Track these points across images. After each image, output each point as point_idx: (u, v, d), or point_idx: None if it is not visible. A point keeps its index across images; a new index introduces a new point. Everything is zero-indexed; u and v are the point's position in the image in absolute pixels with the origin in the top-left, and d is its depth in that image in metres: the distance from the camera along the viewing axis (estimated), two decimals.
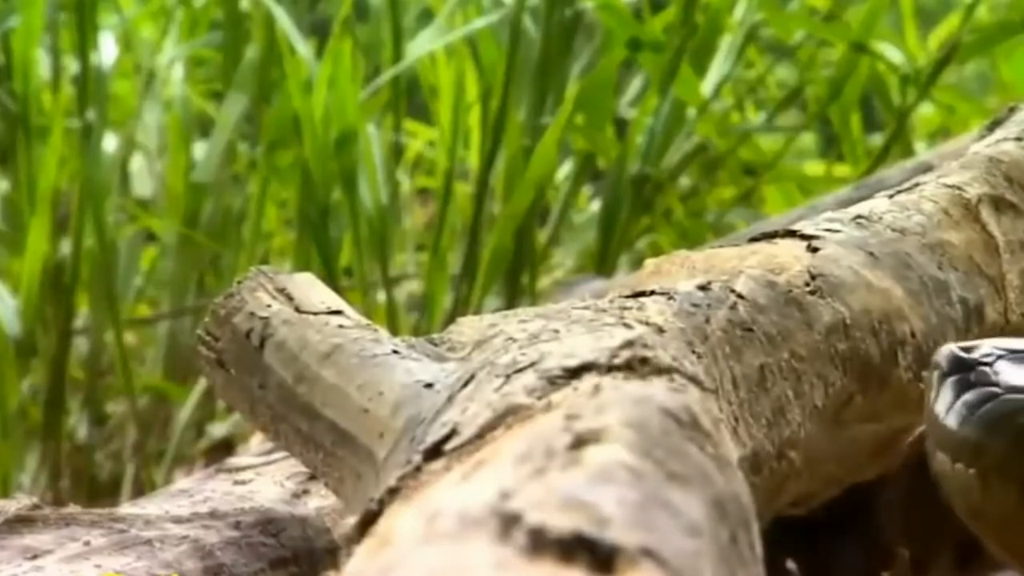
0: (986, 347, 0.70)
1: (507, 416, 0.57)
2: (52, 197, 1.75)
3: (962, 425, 0.67)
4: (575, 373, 0.61)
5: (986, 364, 0.69)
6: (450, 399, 0.68)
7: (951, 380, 0.69)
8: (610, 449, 0.50)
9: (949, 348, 0.70)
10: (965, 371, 0.69)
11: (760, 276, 0.84)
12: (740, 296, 0.82)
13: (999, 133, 1.06)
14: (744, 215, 1.97)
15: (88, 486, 1.74)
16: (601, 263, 1.80)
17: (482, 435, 0.57)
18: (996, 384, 0.67)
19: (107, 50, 1.87)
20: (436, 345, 0.80)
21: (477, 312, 1.46)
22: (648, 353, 0.61)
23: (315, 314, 0.82)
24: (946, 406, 0.68)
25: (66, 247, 1.78)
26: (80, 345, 1.84)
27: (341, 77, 1.67)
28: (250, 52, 1.90)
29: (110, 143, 1.92)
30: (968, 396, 0.68)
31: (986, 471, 0.66)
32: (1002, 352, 0.69)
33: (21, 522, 0.91)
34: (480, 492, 0.47)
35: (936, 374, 0.70)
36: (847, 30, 1.85)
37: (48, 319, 1.75)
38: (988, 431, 0.67)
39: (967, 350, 0.70)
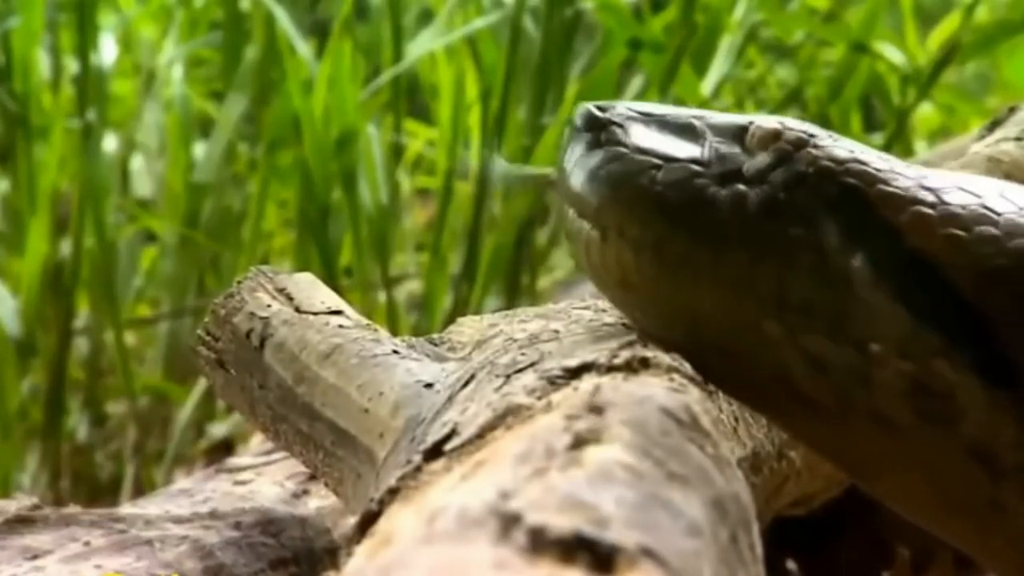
0: (620, 108, 0.69)
1: (507, 416, 0.57)
2: (52, 197, 1.75)
3: (587, 183, 0.67)
4: (575, 373, 0.60)
5: (617, 124, 0.68)
6: (450, 399, 0.68)
7: (583, 137, 0.68)
8: (610, 449, 0.50)
9: (586, 106, 0.70)
10: (597, 130, 0.68)
11: None
12: None
13: (999, 133, 1.06)
14: None
15: (88, 486, 1.74)
16: None
17: (482, 435, 0.57)
18: (624, 144, 0.67)
19: (107, 50, 1.87)
20: (436, 345, 0.80)
21: (477, 312, 1.46)
22: (648, 353, 0.61)
23: (315, 314, 0.82)
24: (574, 163, 0.68)
25: (66, 247, 1.78)
26: (80, 345, 1.84)
27: (341, 77, 1.67)
28: (250, 52, 1.90)
29: (110, 143, 1.92)
30: (595, 154, 0.67)
31: (605, 230, 0.66)
32: (635, 114, 0.69)
33: (21, 522, 0.91)
34: (480, 492, 0.47)
35: (570, 130, 0.70)
36: (847, 30, 1.85)
37: (48, 319, 1.75)
38: (608, 191, 0.66)
39: (602, 109, 0.69)
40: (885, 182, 0.63)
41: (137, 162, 2.05)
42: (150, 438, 1.77)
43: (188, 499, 0.99)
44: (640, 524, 0.45)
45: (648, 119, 0.68)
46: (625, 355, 0.61)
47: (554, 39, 1.79)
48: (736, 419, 0.76)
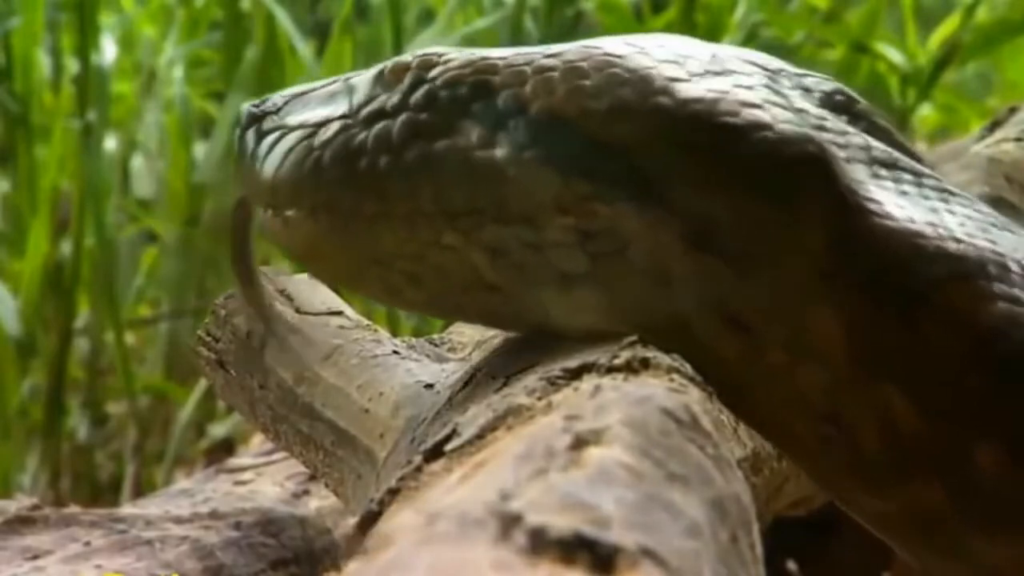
0: (274, 97, 0.72)
1: (507, 417, 0.57)
2: (52, 197, 1.75)
3: (257, 174, 0.69)
4: (575, 373, 0.60)
5: (273, 112, 0.70)
6: (450, 400, 0.68)
7: (248, 133, 0.71)
8: (610, 449, 0.50)
9: (244, 105, 0.72)
10: (257, 122, 0.70)
11: None
12: None
13: (999, 134, 1.06)
14: None
15: (88, 486, 1.74)
16: None
17: (482, 436, 0.57)
18: (282, 127, 0.69)
19: (107, 50, 1.87)
20: (436, 346, 0.80)
21: None
22: (648, 353, 0.61)
23: (315, 315, 0.82)
24: (246, 161, 0.70)
25: (66, 247, 1.78)
26: (80, 345, 1.84)
27: None
28: (250, 52, 1.90)
29: (110, 143, 1.92)
30: (262, 144, 0.69)
31: (283, 211, 0.68)
32: (287, 97, 0.71)
33: (21, 522, 0.91)
34: (480, 493, 0.47)
35: (236, 133, 0.72)
36: (847, 30, 1.85)
37: (48, 319, 1.75)
38: (274, 172, 0.68)
39: (258, 104, 0.71)
40: (509, 65, 0.66)
41: (137, 162, 2.05)
42: (150, 438, 1.77)
43: (188, 499, 0.99)
44: (640, 524, 0.45)
45: (301, 96, 0.71)
46: (625, 355, 0.61)
47: (554, 39, 1.79)
48: (736, 420, 0.76)
